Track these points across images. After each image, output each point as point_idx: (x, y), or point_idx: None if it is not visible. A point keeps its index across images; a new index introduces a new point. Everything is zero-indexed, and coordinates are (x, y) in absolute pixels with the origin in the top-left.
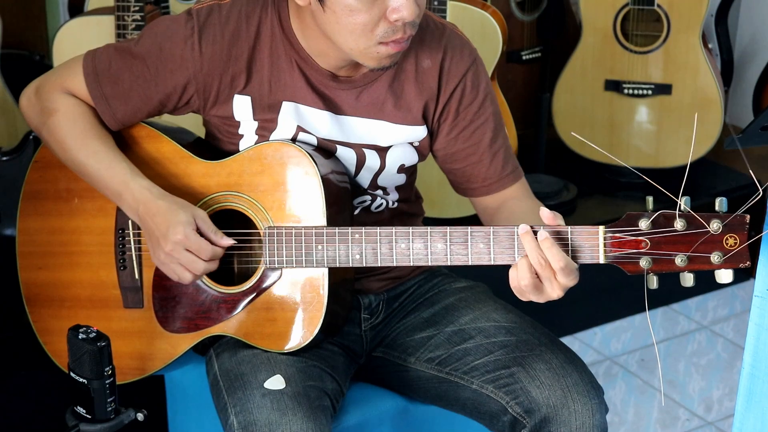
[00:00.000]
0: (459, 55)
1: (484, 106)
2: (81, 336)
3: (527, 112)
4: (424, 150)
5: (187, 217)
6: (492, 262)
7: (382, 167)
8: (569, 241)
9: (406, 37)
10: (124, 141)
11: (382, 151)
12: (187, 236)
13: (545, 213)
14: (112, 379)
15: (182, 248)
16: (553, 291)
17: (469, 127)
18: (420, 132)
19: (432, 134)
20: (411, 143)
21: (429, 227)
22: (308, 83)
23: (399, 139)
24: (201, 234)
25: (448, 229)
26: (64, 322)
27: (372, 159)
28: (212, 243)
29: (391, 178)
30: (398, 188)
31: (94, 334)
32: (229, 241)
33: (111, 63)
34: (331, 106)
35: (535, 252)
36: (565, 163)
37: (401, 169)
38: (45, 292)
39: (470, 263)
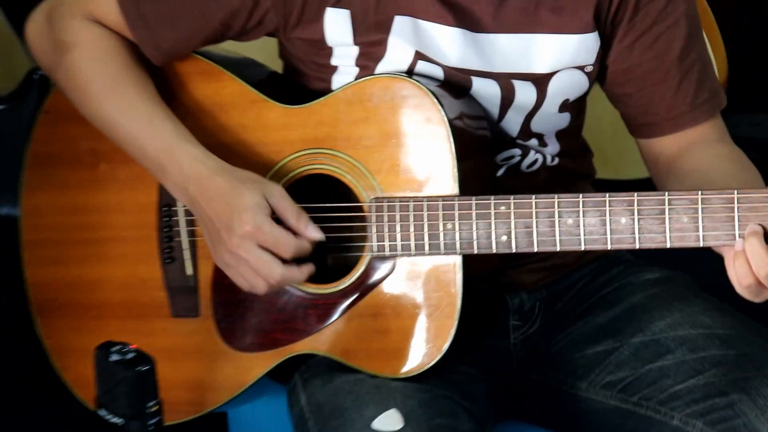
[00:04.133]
0: None
1: (675, 2)
2: (114, 357)
3: (740, 20)
4: (595, 72)
5: (255, 199)
6: (700, 244)
7: (539, 104)
8: None
9: None
10: (168, 81)
11: (541, 81)
12: (258, 226)
13: None
14: (158, 418)
15: (253, 244)
16: None
17: (651, 32)
18: (592, 43)
19: (604, 44)
20: (582, 68)
21: (607, 193)
22: None
23: (564, 60)
24: (278, 221)
25: (635, 195)
26: (88, 338)
27: (525, 93)
28: (295, 233)
29: (551, 119)
30: (560, 135)
31: (132, 354)
32: (317, 233)
33: None
34: (466, 19)
35: (760, 259)
36: None
37: (565, 105)
38: (62, 297)
39: (668, 245)
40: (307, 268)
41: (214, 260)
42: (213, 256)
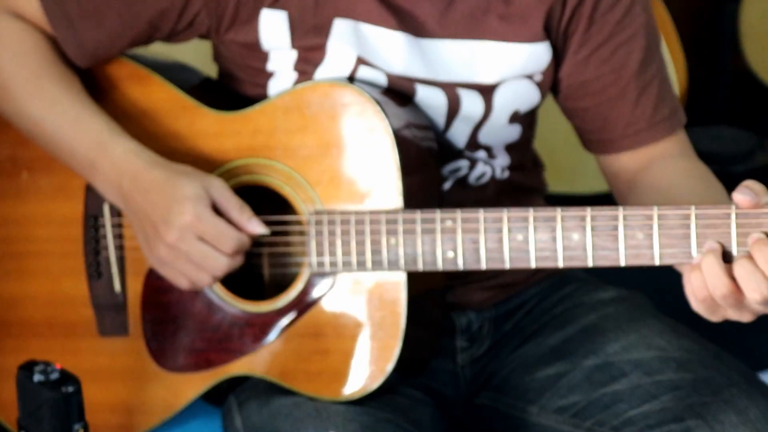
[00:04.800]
0: None
1: (632, 13)
2: (37, 378)
3: (700, 32)
4: (547, 84)
5: (195, 189)
6: (656, 262)
7: (487, 114)
8: None
9: None
10: (94, 85)
11: (486, 91)
12: (199, 217)
13: (742, 196)
14: None
15: (193, 236)
16: (741, 317)
17: (608, 44)
18: (542, 54)
19: (556, 56)
20: (531, 77)
21: (559, 208)
22: None
23: (512, 69)
24: (219, 213)
25: (588, 210)
26: (10, 358)
27: (471, 103)
28: (236, 226)
29: (500, 131)
30: (510, 148)
31: (57, 374)
32: (261, 227)
33: None
34: (409, 23)
35: (717, 279)
36: (758, 108)
37: (515, 117)
38: None
39: (623, 263)
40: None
41: (144, 268)
42: (147, 255)
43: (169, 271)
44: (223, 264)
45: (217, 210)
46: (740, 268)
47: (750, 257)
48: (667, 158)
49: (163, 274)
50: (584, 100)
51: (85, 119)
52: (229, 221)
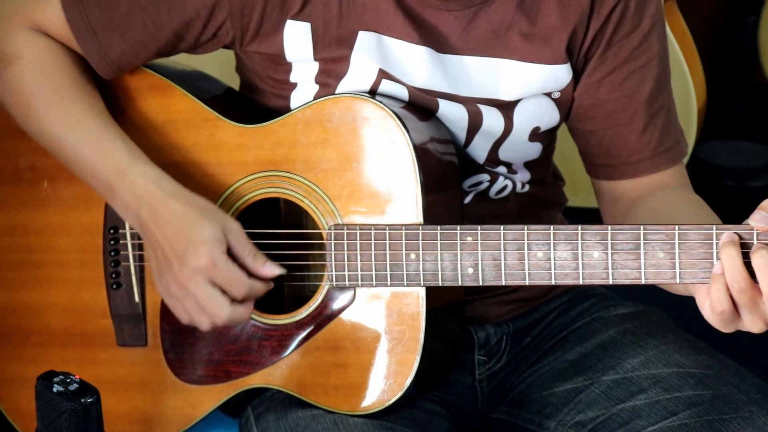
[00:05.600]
0: None
1: (649, 41)
2: (57, 388)
3: (718, 47)
4: (566, 102)
5: (214, 233)
6: (677, 280)
7: (508, 131)
8: None
9: None
10: (115, 96)
11: (506, 108)
12: (214, 262)
13: (756, 224)
14: None
15: (205, 280)
16: (755, 324)
17: (622, 69)
18: (563, 74)
19: (575, 77)
20: (549, 94)
21: (579, 226)
22: (397, 2)
23: (532, 88)
24: (232, 257)
25: (609, 228)
26: (29, 368)
27: (492, 119)
28: (250, 272)
29: (520, 148)
30: (530, 164)
31: (76, 385)
32: (275, 270)
33: None
34: (432, 38)
35: (736, 271)
36: None
37: (535, 134)
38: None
39: (643, 281)
40: (251, 306)
41: (156, 286)
42: (156, 283)
43: (173, 303)
44: (225, 312)
45: (231, 254)
46: (759, 258)
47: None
48: (667, 189)
49: (166, 302)
50: (592, 123)
51: (107, 143)
52: (243, 266)
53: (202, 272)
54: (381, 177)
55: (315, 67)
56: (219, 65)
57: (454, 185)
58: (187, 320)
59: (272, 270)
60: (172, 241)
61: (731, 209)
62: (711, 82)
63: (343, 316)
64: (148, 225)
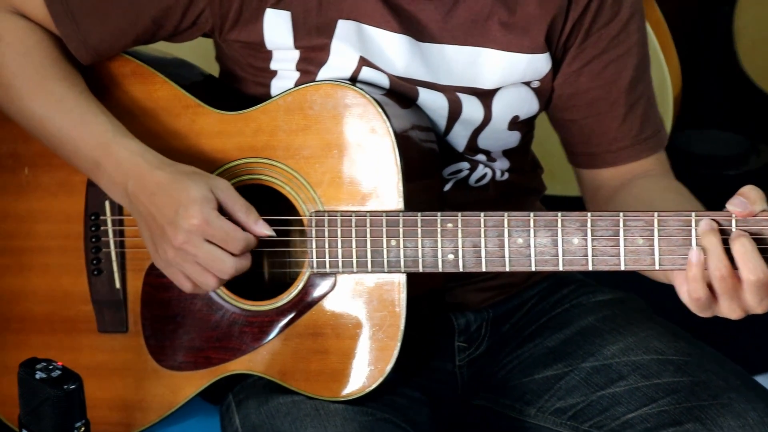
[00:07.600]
0: None
1: (628, 31)
2: (39, 375)
3: (694, 34)
4: (546, 93)
5: (202, 191)
6: (656, 267)
7: (487, 120)
8: None
9: None
10: (97, 82)
11: (486, 96)
12: (207, 219)
13: (733, 208)
14: None
15: (201, 238)
16: (732, 312)
17: (601, 58)
18: (542, 64)
19: (555, 66)
20: (528, 83)
21: (560, 212)
22: None
23: (511, 77)
24: (225, 214)
25: (589, 215)
26: (10, 354)
27: (471, 108)
28: (243, 227)
29: (499, 136)
30: (509, 153)
31: (59, 372)
32: (267, 229)
33: None
34: (411, 27)
35: (718, 258)
36: (752, 111)
37: (514, 123)
38: None
39: (623, 268)
40: (249, 258)
41: (144, 267)
42: (153, 256)
43: (174, 273)
44: (229, 265)
45: (222, 211)
46: (739, 246)
47: (748, 235)
48: (648, 176)
49: (167, 275)
50: (572, 112)
51: (90, 119)
52: (236, 222)
53: (197, 232)
54: (362, 164)
55: (296, 55)
56: (198, 54)
57: (434, 173)
58: (190, 288)
59: (264, 229)
60: (163, 209)
61: (706, 198)
62: (686, 71)
63: (324, 302)
64: (137, 196)
